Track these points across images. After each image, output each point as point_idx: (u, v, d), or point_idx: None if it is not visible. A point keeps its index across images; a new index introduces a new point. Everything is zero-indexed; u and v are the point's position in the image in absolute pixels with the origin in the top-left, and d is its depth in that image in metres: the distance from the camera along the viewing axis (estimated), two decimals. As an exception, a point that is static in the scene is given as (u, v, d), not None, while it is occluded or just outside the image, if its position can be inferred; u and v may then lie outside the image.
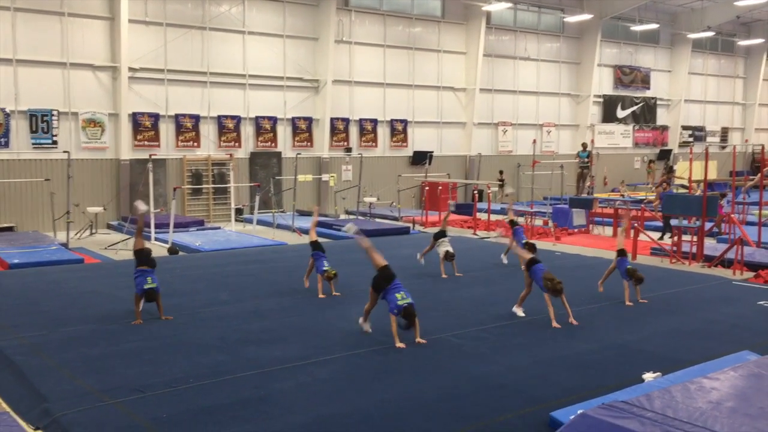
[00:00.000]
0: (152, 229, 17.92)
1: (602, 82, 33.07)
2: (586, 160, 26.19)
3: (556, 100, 31.70)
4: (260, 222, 20.92)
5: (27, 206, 19.51)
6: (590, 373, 7.77)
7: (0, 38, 18.97)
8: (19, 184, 19.15)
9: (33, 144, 19.59)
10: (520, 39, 30.07)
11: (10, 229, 18.91)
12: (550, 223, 20.23)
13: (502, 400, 6.99)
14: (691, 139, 36.75)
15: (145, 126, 21.32)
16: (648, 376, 7.40)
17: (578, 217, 20.86)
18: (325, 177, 23.66)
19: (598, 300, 11.32)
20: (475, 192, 23.46)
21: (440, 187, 24.26)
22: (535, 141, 28.90)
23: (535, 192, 26.12)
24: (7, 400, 7.08)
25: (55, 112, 19.84)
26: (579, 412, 6.00)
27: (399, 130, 26.82)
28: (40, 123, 19.64)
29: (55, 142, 19.83)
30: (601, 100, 33.18)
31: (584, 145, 26.71)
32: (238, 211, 21.96)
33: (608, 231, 20.21)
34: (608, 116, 33.68)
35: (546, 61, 31.03)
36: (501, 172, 28.97)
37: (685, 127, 37.00)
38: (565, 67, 31.78)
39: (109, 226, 20.36)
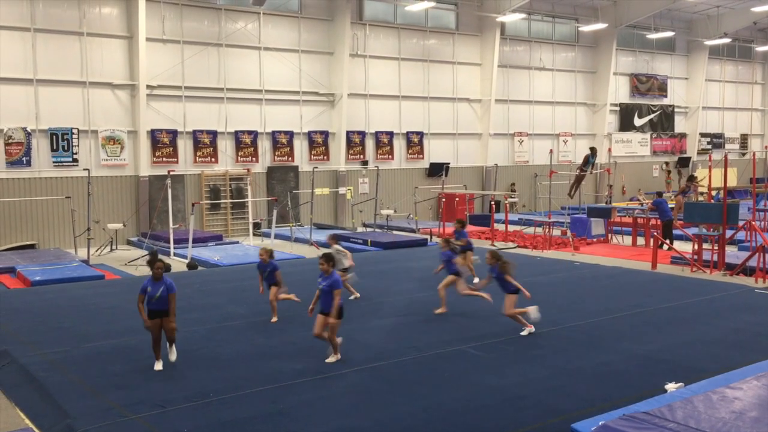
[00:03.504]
0: (171, 245, 18.06)
1: (618, 91, 32.93)
2: (583, 168, 24.58)
3: (573, 109, 31.61)
4: (278, 236, 21.00)
5: (48, 224, 19.74)
6: (611, 384, 7.71)
7: (20, 59, 19.31)
8: (40, 202, 19.40)
9: (54, 162, 19.85)
10: (534, 49, 30.06)
11: (32, 246, 19.15)
12: (569, 233, 20.12)
13: (521, 411, 6.95)
14: (709, 147, 36.44)
15: (163, 142, 21.55)
16: (670, 387, 7.33)
17: (597, 226, 20.74)
18: (342, 190, 23.73)
19: (619, 310, 11.23)
20: (492, 203, 23.42)
21: (457, 199, 24.23)
22: (552, 151, 28.80)
23: (553, 202, 25.99)
24: (30, 416, 7.16)
25: (75, 131, 20.11)
26: (600, 423, 5.97)
27: (415, 142, 26.87)
28: (61, 141, 19.91)
29: (75, 160, 20.09)
30: (617, 108, 33.03)
31: (593, 150, 24.86)
32: (256, 226, 22.07)
33: (627, 240, 20.06)
34: (625, 125, 33.51)
35: (561, 71, 30.98)
36: (513, 185, 28.91)
37: (703, 135, 36.71)
38: (581, 77, 31.70)
39: (129, 242, 20.54)
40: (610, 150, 32.28)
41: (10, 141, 19.11)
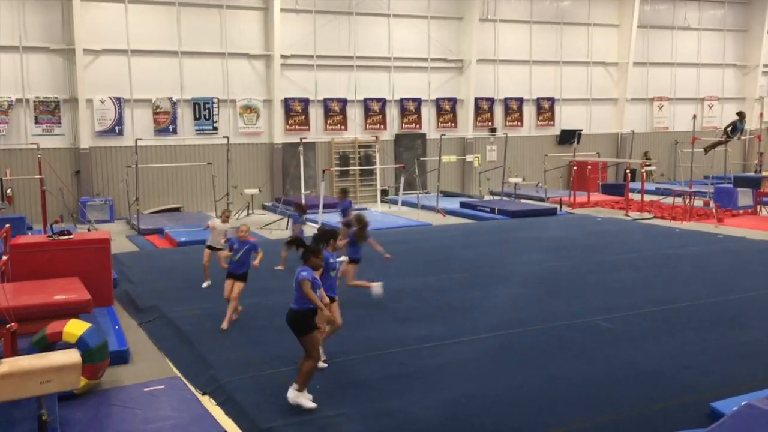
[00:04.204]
0: (303, 210, 18.67)
1: (773, 50, 30.26)
2: (729, 134, 21.02)
3: (720, 71, 29.42)
4: (405, 203, 21.20)
5: (192, 188, 21.00)
6: (756, 364, 7.24)
7: (167, 32, 20.48)
8: (185, 168, 20.63)
9: (196, 130, 21.04)
10: (678, 7, 28.14)
11: (177, 209, 20.51)
12: (712, 204, 18.93)
13: (657, 387, 6.68)
14: None
15: (295, 111, 22.23)
16: (825, 371, 6.79)
17: (744, 197, 19.36)
18: (469, 158, 23.52)
19: (767, 287, 10.47)
20: (628, 171, 22.38)
21: (589, 167, 23.38)
22: (695, 116, 27.03)
23: (695, 171, 24.47)
24: (178, 366, 7.74)
25: (215, 100, 21.18)
26: (744, 402, 5.63)
27: (545, 108, 26.09)
28: (203, 110, 21.06)
29: (215, 128, 21.19)
30: (771, 69, 30.40)
31: (741, 115, 21.10)
32: (384, 192, 22.39)
33: (778, 212, 18.60)
34: (780, 87, 30.78)
35: (708, 30, 28.84)
36: (646, 153, 27.36)
37: None
38: (730, 36, 29.39)
39: (264, 207, 21.49)
40: (761, 115, 29.82)
41: (158, 110, 20.43)
